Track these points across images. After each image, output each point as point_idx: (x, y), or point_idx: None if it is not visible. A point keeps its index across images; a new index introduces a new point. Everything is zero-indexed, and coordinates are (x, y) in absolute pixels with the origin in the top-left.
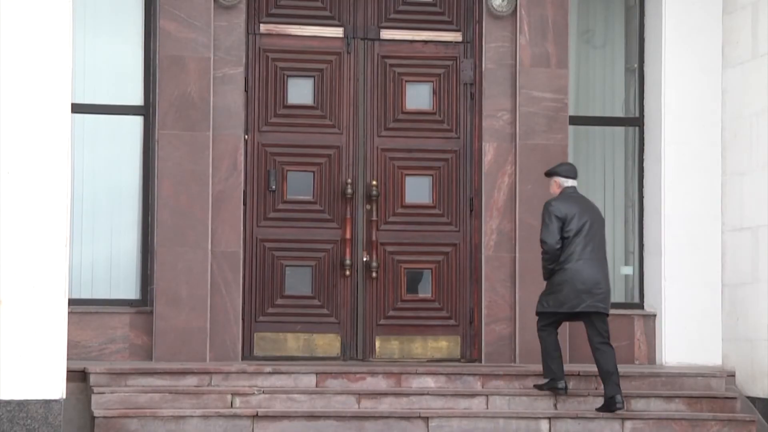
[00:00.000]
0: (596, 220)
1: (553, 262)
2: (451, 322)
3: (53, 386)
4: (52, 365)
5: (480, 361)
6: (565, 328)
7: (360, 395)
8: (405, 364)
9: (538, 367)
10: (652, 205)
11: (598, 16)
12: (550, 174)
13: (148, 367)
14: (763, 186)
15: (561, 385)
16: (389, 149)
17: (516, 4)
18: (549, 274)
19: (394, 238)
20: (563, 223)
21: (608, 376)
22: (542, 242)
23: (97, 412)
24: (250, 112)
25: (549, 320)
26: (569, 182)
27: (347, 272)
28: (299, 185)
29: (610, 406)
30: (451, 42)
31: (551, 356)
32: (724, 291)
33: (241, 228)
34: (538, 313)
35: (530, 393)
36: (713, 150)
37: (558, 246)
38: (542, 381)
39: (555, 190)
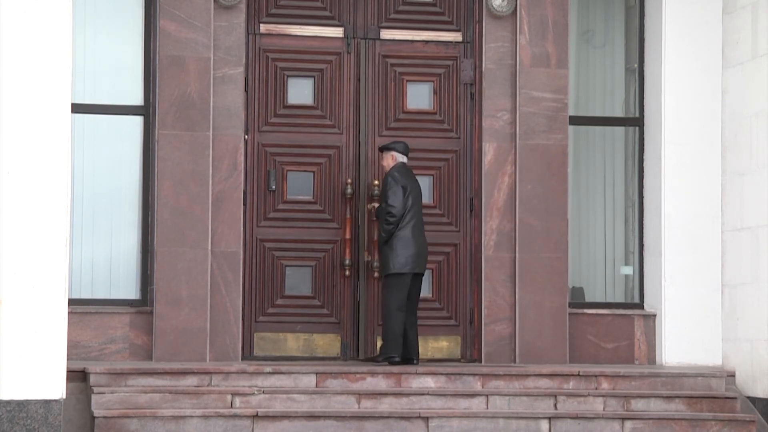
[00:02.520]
0: (419, 193)
1: (396, 226)
2: (452, 322)
3: (53, 386)
4: (52, 365)
5: (480, 361)
6: (564, 328)
7: (360, 395)
8: (403, 364)
9: (539, 368)
10: (652, 205)
11: (598, 16)
12: (388, 149)
13: (148, 367)
14: (763, 186)
15: (397, 359)
16: None
17: (516, 4)
18: (389, 236)
19: None
20: (404, 192)
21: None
22: (391, 207)
23: (97, 412)
24: (250, 112)
25: (403, 291)
26: (402, 158)
27: (347, 272)
28: (299, 185)
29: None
30: (451, 42)
31: (397, 335)
32: (724, 291)
33: (241, 228)
34: (392, 275)
35: (530, 393)
36: (713, 150)
37: (403, 212)
38: (379, 354)
39: (390, 163)
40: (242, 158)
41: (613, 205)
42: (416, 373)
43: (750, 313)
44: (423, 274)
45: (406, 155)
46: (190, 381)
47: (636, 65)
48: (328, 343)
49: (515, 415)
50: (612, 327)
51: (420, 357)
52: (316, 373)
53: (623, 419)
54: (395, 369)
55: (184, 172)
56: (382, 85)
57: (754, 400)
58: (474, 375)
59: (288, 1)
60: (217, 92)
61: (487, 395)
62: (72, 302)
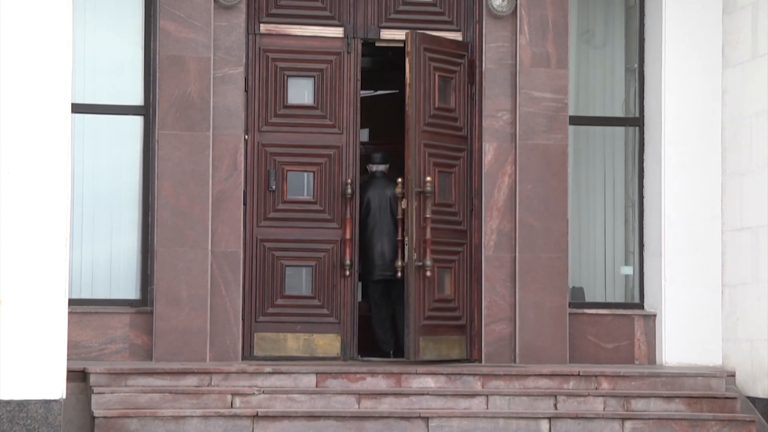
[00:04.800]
0: (384, 200)
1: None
2: (461, 321)
3: (53, 386)
4: (52, 365)
5: (480, 361)
6: (564, 328)
7: (360, 395)
8: (405, 364)
9: (538, 367)
10: (652, 205)
11: (598, 16)
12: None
13: (148, 367)
14: (763, 186)
15: (386, 349)
16: (429, 144)
17: (516, 4)
18: None
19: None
20: (360, 204)
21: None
22: None
23: (97, 412)
24: (250, 112)
25: (373, 296)
26: (373, 167)
27: (347, 272)
28: (299, 185)
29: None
30: (451, 42)
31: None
32: (724, 291)
33: (241, 228)
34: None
35: (530, 393)
36: (713, 150)
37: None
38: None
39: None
40: (242, 158)
41: (613, 205)
42: (416, 373)
43: (750, 313)
44: (390, 280)
45: (378, 163)
46: (190, 381)
47: (636, 65)
48: (328, 343)
49: (515, 415)
50: (612, 327)
51: (446, 357)
52: (316, 373)
53: (623, 419)
54: (395, 369)
55: (184, 172)
56: (425, 79)
57: (754, 400)
58: (474, 375)
59: (288, 1)
60: (217, 92)
61: (487, 395)
62: (72, 302)
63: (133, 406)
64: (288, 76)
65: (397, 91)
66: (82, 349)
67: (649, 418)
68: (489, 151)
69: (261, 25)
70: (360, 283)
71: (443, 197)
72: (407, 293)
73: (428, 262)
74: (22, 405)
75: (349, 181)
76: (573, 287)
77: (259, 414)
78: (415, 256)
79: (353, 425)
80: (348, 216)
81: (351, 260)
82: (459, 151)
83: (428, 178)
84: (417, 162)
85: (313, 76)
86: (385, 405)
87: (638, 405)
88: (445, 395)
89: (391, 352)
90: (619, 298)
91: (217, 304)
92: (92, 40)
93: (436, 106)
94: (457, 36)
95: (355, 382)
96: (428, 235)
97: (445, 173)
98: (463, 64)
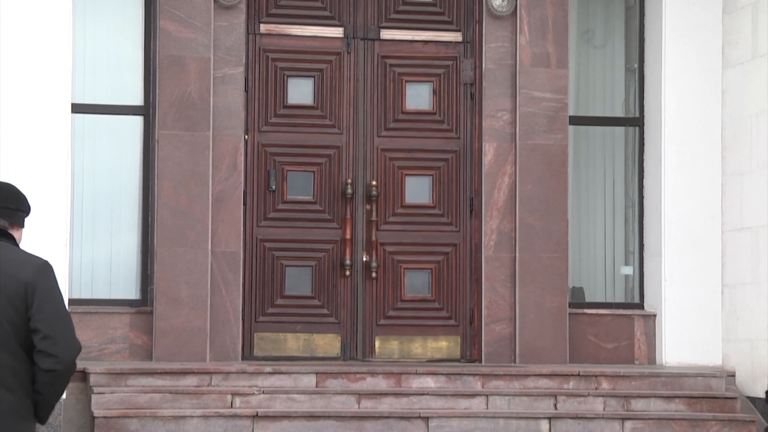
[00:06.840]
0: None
1: None
2: (452, 322)
3: None
4: None
5: (480, 361)
6: (564, 328)
7: (360, 395)
8: (405, 364)
9: (539, 368)
10: (652, 205)
11: (598, 16)
12: None
13: (148, 367)
14: (763, 186)
15: None
16: (389, 149)
17: (516, 4)
18: None
19: (395, 238)
20: None
21: None
22: None
23: (97, 412)
24: (250, 112)
25: None
26: None
27: (347, 272)
28: (299, 185)
29: None
30: (451, 42)
31: None
32: (724, 291)
33: (241, 228)
34: None
35: (530, 393)
36: (713, 150)
37: None
38: None
39: None
40: (242, 158)
41: (613, 205)
42: (416, 373)
43: (750, 313)
44: None
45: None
46: (190, 381)
47: (636, 65)
48: (328, 343)
49: (515, 415)
50: (612, 327)
51: (420, 357)
52: (316, 373)
53: (623, 419)
54: (395, 369)
55: (184, 172)
56: (382, 85)
57: (754, 400)
58: (474, 375)
59: (288, 1)
60: (217, 92)
61: (487, 395)
62: (72, 302)
63: (133, 406)
64: (288, 76)
65: None
66: (82, 349)
67: (649, 418)
68: (489, 151)
69: (261, 25)
70: None
71: (417, 199)
72: (357, 294)
73: (374, 264)
74: None
75: (349, 181)
76: (573, 287)
77: (259, 414)
78: (365, 258)
79: (353, 425)
80: (348, 216)
81: (351, 260)
82: (446, 152)
83: (373, 182)
84: (365, 166)
85: (313, 76)
86: (385, 405)
87: (638, 405)
88: (445, 395)
89: None
90: (619, 298)
91: (217, 304)
92: (92, 40)
93: (404, 110)
94: (456, 36)
95: (355, 382)
96: (374, 238)
97: (419, 176)
98: (452, 65)
